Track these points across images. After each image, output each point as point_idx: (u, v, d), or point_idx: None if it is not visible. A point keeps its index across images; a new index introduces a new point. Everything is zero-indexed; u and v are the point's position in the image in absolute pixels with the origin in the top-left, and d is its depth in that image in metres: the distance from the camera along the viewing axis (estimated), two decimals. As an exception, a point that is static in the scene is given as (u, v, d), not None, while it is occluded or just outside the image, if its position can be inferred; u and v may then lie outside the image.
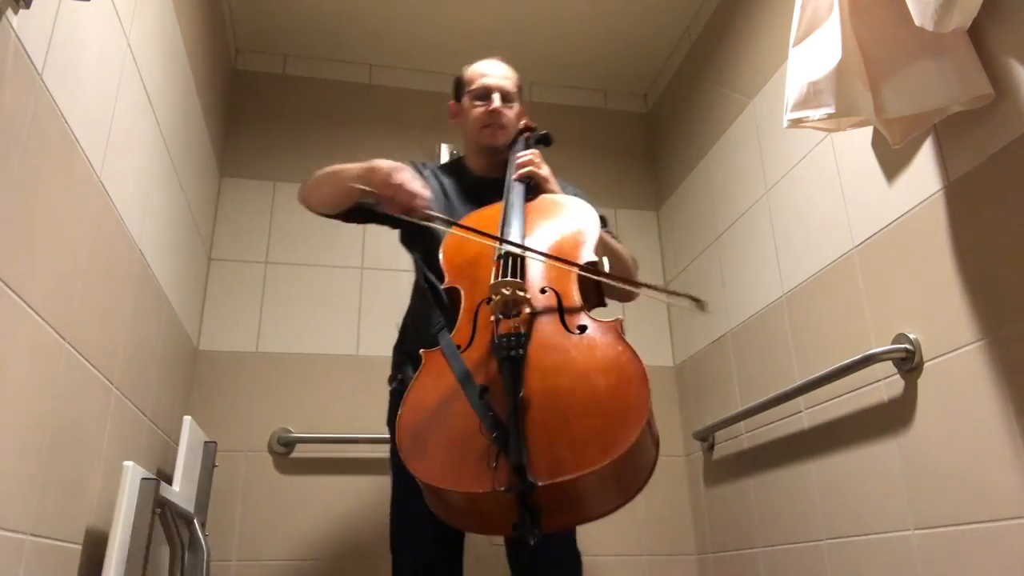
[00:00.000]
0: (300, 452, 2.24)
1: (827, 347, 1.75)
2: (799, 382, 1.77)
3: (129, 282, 1.56)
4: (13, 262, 1.01)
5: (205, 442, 1.96)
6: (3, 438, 1.01)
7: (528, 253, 1.33)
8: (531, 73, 2.91)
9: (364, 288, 2.48)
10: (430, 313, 1.45)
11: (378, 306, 2.45)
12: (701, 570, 2.33)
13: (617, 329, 1.19)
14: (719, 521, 2.25)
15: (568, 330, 1.22)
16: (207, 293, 2.37)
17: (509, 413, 1.06)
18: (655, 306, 2.70)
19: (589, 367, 1.16)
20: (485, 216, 1.46)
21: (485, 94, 1.64)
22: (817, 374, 1.68)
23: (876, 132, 1.60)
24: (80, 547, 1.30)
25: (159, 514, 1.43)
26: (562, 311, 1.24)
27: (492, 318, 1.23)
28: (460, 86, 1.70)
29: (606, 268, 1.37)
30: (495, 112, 1.63)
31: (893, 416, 1.52)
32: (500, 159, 1.63)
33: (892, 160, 1.56)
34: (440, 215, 1.42)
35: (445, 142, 2.65)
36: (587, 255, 1.35)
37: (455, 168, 1.73)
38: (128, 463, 1.34)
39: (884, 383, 1.55)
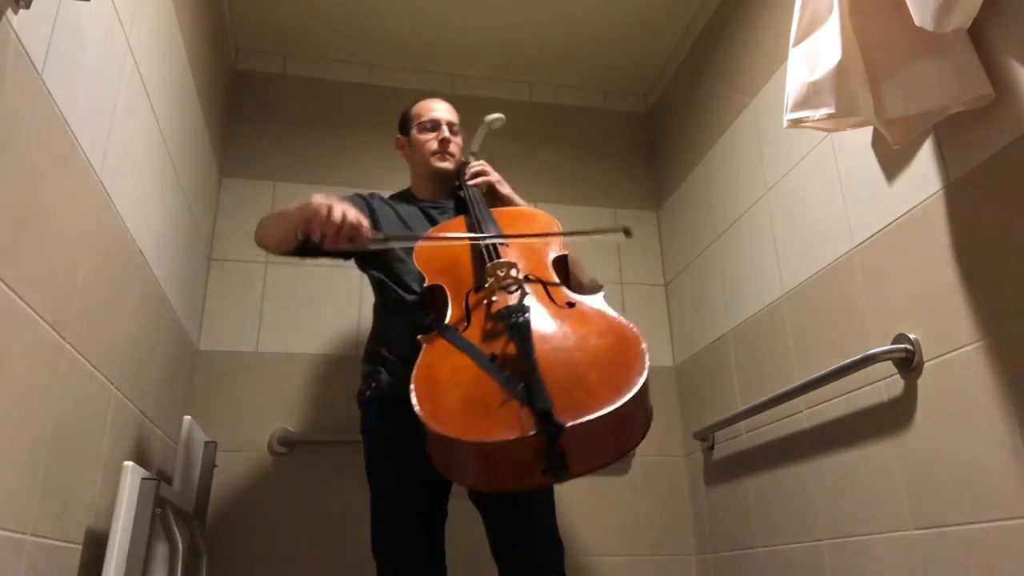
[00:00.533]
0: (300, 452, 2.23)
1: (827, 347, 1.75)
2: (799, 382, 1.77)
3: (129, 282, 1.56)
4: (13, 262, 1.01)
5: (205, 442, 1.96)
6: (3, 438, 1.01)
7: (510, 240, 1.51)
8: (531, 73, 2.92)
9: (364, 288, 2.47)
10: (413, 316, 1.52)
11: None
12: (701, 570, 2.33)
13: (600, 300, 1.35)
14: (719, 521, 2.25)
15: (557, 305, 1.35)
16: (207, 293, 2.37)
17: (526, 368, 1.15)
18: (655, 306, 2.70)
19: (587, 330, 1.28)
20: (451, 226, 1.64)
21: (436, 125, 1.81)
22: (817, 374, 1.68)
23: (876, 132, 1.60)
24: (80, 547, 1.30)
25: (159, 514, 1.43)
26: (548, 292, 1.38)
27: (485, 301, 1.35)
28: (407, 121, 1.87)
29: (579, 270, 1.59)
30: (445, 140, 1.79)
31: (893, 416, 1.52)
32: (446, 185, 1.80)
33: (892, 160, 1.56)
34: (396, 233, 1.58)
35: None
36: (555, 251, 1.54)
37: (403, 196, 1.85)
38: (128, 463, 1.34)
39: (884, 383, 1.55)
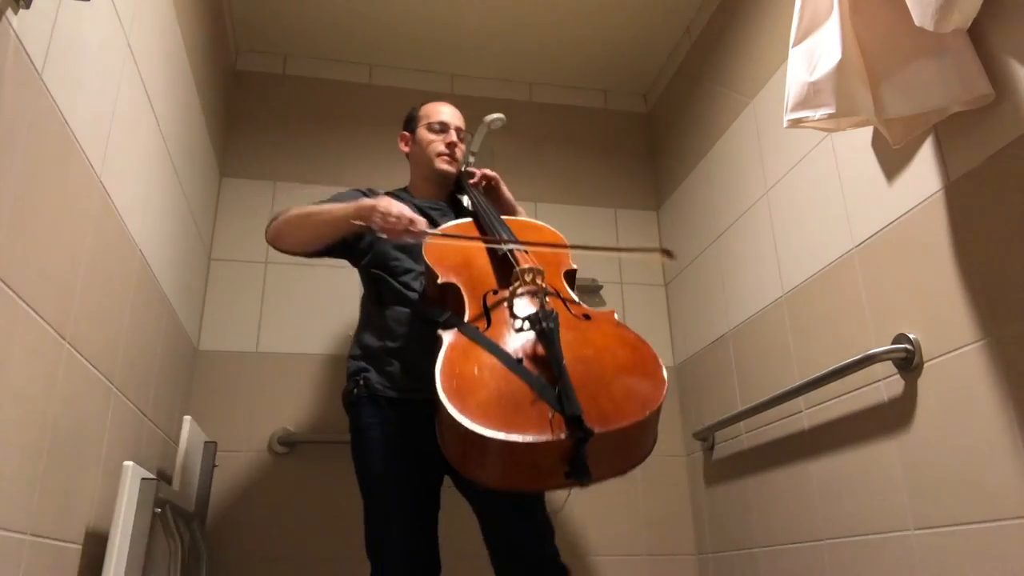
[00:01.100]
0: (300, 452, 2.23)
1: (827, 347, 1.75)
2: (799, 382, 1.77)
3: (129, 282, 1.56)
4: (13, 262, 1.01)
5: (205, 442, 1.97)
6: (3, 438, 1.01)
7: (535, 247, 1.53)
8: (531, 73, 2.92)
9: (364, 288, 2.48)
10: (415, 312, 1.57)
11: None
12: (701, 570, 2.33)
13: (614, 317, 1.39)
14: (719, 521, 2.25)
15: (576, 317, 1.38)
16: (207, 293, 2.37)
17: (557, 373, 1.17)
18: (655, 306, 2.70)
19: (606, 343, 1.31)
20: (461, 228, 1.65)
21: (444, 128, 1.83)
22: (817, 374, 1.68)
23: (876, 132, 1.60)
24: (80, 547, 1.30)
25: (159, 514, 1.43)
26: (565, 303, 1.42)
27: (506, 304, 1.36)
28: (414, 119, 1.88)
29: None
30: (452, 144, 1.81)
31: (893, 416, 1.52)
32: (445, 188, 1.84)
33: (892, 160, 1.56)
34: (444, 232, 1.59)
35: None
36: (566, 265, 1.57)
37: (401, 195, 1.85)
38: (128, 463, 1.34)
39: (884, 383, 1.55)
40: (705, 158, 2.47)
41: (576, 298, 1.47)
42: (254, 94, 2.67)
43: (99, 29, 1.30)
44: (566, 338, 1.27)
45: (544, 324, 1.26)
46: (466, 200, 1.80)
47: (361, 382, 1.58)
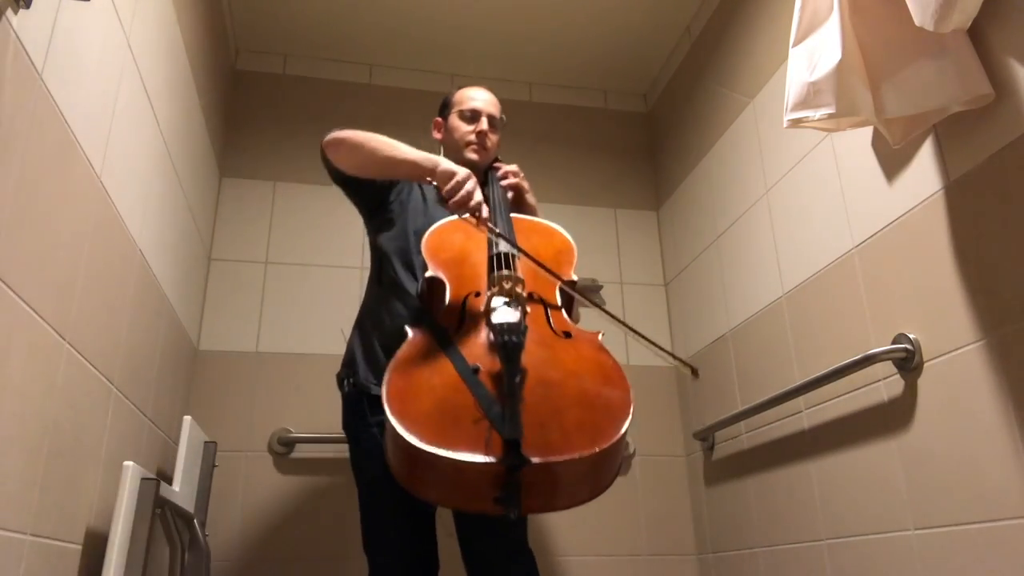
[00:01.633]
0: (300, 452, 2.23)
1: (827, 347, 1.75)
2: (799, 382, 1.77)
3: (129, 282, 1.56)
4: (13, 262, 1.01)
5: (205, 442, 1.97)
6: (3, 438, 1.01)
7: (525, 256, 1.40)
8: (531, 73, 2.92)
9: (364, 288, 2.47)
10: (406, 304, 1.51)
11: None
12: (701, 570, 2.33)
13: (598, 340, 1.29)
14: (719, 521, 2.25)
15: (555, 333, 1.30)
16: (207, 293, 2.37)
17: (505, 391, 1.10)
18: (655, 306, 2.70)
19: (577, 367, 1.23)
20: (462, 224, 1.56)
21: (475, 116, 1.75)
22: (817, 374, 1.68)
23: (876, 132, 1.60)
24: (80, 547, 1.30)
25: (159, 514, 1.43)
26: (548, 316, 1.33)
27: (483, 308, 1.29)
28: (448, 105, 1.81)
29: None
30: (482, 133, 1.73)
31: (893, 416, 1.52)
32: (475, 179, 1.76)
33: (892, 160, 1.56)
34: (495, 230, 1.46)
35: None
36: (568, 274, 1.49)
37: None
38: (128, 463, 1.34)
39: (884, 383, 1.55)
40: (705, 158, 2.46)
41: (564, 312, 1.39)
42: (254, 94, 2.67)
43: (99, 29, 1.30)
44: (535, 356, 1.20)
45: (507, 337, 1.19)
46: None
47: (351, 380, 1.56)
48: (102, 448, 1.41)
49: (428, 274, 1.42)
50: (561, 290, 1.44)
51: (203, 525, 1.87)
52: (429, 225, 1.54)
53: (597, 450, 1.07)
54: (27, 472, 1.09)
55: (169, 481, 1.68)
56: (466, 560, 1.49)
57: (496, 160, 1.81)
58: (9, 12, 0.96)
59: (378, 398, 1.44)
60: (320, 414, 2.29)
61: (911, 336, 1.47)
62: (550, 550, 2.29)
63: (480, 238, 1.49)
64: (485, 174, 1.74)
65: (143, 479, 1.36)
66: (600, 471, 1.13)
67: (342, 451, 2.26)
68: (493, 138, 1.76)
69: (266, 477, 2.19)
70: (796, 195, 1.93)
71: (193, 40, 2.01)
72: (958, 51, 1.32)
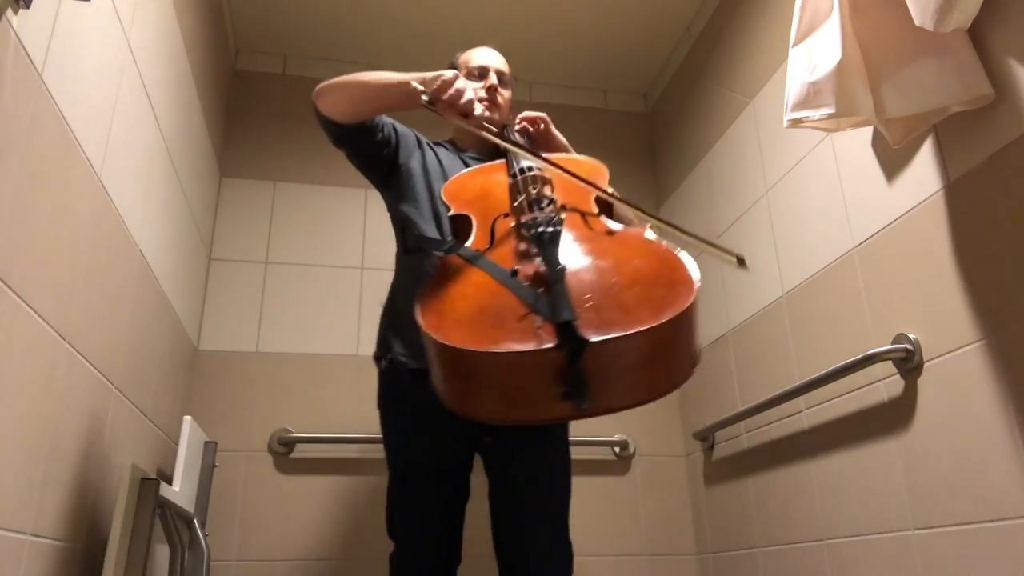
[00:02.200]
0: (300, 452, 2.24)
1: (827, 347, 1.75)
2: (799, 382, 1.77)
3: (129, 282, 1.56)
4: (13, 262, 1.01)
5: (205, 442, 1.97)
6: (3, 438, 1.01)
7: (549, 166, 1.27)
8: (531, 73, 2.91)
9: (364, 288, 2.48)
10: (432, 256, 1.39)
11: (378, 306, 2.45)
12: (701, 570, 2.33)
13: (645, 232, 1.16)
14: (719, 521, 2.25)
15: (595, 232, 1.18)
16: (207, 293, 2.37)
17: (549, 276, 1.00)
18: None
19: (627, 254, 1.11)
20: (488, 168, 1.47)
21: (483, 73, 1.67)
22: (817, 374, 1.68)
23: (876, 132, 1.60)
24: (80, 547, 1.30)
25: (159, 514, 1.43)
26: (586, 221, 1.22)
27: (513, 224, 1.19)
28: (455, 67, 1.72)
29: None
30: (492, 88, 1.64)
31: (893, 416, 1.52)
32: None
33: (892, 160, 1.56)
34: (490, 129, 1.37)
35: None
36: (602, 186, 1.35)
37: (447, 145, 1.72)
38: (128, 463, 1.34)
39: (884, 383, 1.55)
40: (705, 158, 2.46)
41: (601, 216, 1.26)
42: (254, 94, 2.67)
43: (99, 29, 1.30)
44: (576, 248, 1.10)
45: (541, 228, 1.10)
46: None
47: (388, 356, 1.48)
48: (102, 448, 1.41)
49: (451, 213, 1.34)
50: (598, 199, 1.30)
51: (203, 525, 1.87)
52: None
53: (664, 319, 0.93)
54: (27, 472, 1.09)
55: (169, 481, 1.68)
56: (499, 555, 1.44)
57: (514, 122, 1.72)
58: (9, 12, 0.96)
59: (414, 374, 1.36)
60: (320, 414, 2.29)
61: (911, 336, 1.47)
62: (550, 550, 2.29)
63: (502, 174, 1.39)
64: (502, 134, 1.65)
65: (143, 479, 1.36)
66: (673, 350, 0.99)
67: (342, 451, 2.27)
68: (505, 94, 1.68)
69: (266, 477, 2.19)
70: (796, 195, 1.93)
71: (193, 40, 2.01)
72: (958, 51, 1.32)
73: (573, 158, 1.58)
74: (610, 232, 1.18)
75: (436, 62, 2.79)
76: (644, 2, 2.55)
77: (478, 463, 1.51)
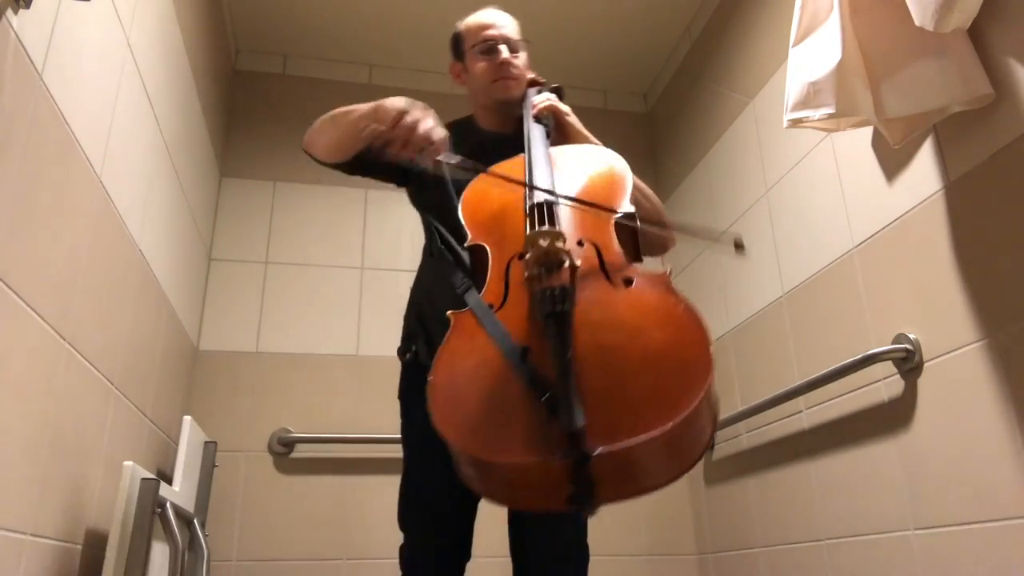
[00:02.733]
0: (300, 452, 2.23)
1: (827, 347, 1.75)
2: (799, 382, 1.77)
3: (129, 282, 1.56)
4: (13, 262, 1.01)
5: (205, 442, 1.97)
6: (3, 438, 1.01)
7: (562, 200, 1.21)
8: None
9: (364, 288, 2.48)
10: (450, 275, 1.34)
11: (378, 306, 2.45)
12: (701, 570, 2.33)
13: (667, 280, 1.09)
14: (719, 521, 2.25)
15: (613, 284, 1.12)
16: (207, 293, 2.37)
17: (558, 374, 0.97)
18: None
19: (642, 322, 1.06)
20: (508, 167, 1.34)
21: (491, 47, 1.54)
22: (817, 374, 1.68)
23: (876, 132, 1.60)
24: (80, 547, 1.30)
25: (159, 514, 1.43)
26: (603, 264, 1.15)
27: (527, 274, 1.12)
28: (459, 43, 1.60)
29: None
30: (504, 64, 1.53)
31: (893, 416, 1.52)
32: (513, 115, 1.55)
33: (892, 160, 1.56)
34: (460, 159, 1.24)
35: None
36: (624, 205, 1.26)
37: (467, 126, 1.60)
38: (128, 463, 1.34)
39: (884, 383, 1.55)
40: (705, 158, 2.46)
41: (626, 250, 1.19)
42: (254, 94, 2.67)
43: (99, 29, 1.30)
44: (588, 319, 1.05)
45: (550, 308, 1.04)
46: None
47: (413, 349, 1.42)
48: (102, 448, 1.41)
49: (467, 243, 1.26)
50: (618, 223, 1.22)
51: (203, 525, 1.87)
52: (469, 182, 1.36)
53: (671, 425, 0.91)
54: (27, 472, 1.09)
55: (169, 481, 1.68)
56: (514, 555, 1.42)
57: (534, 82, 1.63)
58: (9, 12, 0.96)
59: None
60: (320, 414, 2.29)
61: (911, 336, 1.47)
62: (550, 550, 2.29)
63: (519, 185, 1.29)
64: (523, 103, 1.56)
65: (143, 479, 1.36)
66: (683, 443, 0.96)
67: (342, 451, 2.27)
68: (519, 63, 1.57)
69: (266, 477, 2.19)
70: (796, 195, 1.93)
71: (193, 40, 2.01)
72: (958, 51, 1.32)
73: (594, 153, 1.47)
74: (628, 281, 1.12)
75: (436, 61, 2.81)
76: (644, 2, 2.55)
77: None
